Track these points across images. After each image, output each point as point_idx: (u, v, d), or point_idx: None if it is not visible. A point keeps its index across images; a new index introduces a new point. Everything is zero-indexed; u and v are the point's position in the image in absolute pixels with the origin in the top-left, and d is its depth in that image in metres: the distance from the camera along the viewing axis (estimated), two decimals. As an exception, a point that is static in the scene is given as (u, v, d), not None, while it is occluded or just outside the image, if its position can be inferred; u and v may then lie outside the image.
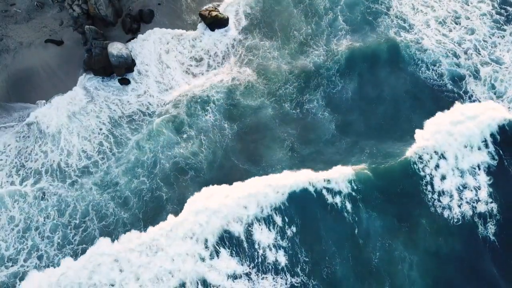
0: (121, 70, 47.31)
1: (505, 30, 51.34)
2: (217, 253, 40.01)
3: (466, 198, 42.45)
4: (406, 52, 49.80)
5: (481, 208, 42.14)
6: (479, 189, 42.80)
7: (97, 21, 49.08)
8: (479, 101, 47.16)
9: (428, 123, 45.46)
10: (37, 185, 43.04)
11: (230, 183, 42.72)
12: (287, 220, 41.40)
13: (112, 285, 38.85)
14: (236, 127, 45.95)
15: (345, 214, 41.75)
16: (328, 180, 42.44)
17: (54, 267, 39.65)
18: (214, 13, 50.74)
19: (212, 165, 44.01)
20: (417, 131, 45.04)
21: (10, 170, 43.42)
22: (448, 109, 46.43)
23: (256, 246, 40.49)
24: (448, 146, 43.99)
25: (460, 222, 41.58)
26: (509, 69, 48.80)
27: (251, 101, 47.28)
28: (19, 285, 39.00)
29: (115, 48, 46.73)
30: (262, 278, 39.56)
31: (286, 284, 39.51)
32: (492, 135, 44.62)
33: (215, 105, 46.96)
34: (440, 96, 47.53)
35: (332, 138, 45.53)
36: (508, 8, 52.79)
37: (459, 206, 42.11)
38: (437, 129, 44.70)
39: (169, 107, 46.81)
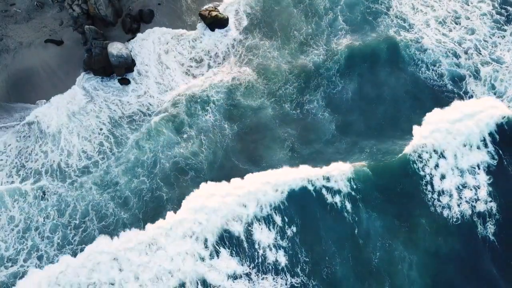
0: (121, 70, 47.29)
1: (505, 30, 51.32)
2: (217, 253, 40.02)
3: (465, 198, 42.47)
4: (406, 52, 49.80)
5: (481, 207, 42.18)
6: (479, 188, 42.82)
7: (97, 21, 49.05)
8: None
9: (427, 120, 45.48)
10: (37, 184, 43.00)
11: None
12: (287, 220, 41.42)
13: (112, 284, 38.83)
14: (236, 127, 45.95)
15: (345, 214, 41.77)
16: (328, 179, 42.47)
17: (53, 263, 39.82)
18: (214, 13, 50.74)
19: (212, 166, 44.02)
20: (415, 127, 45.07)
21: (10, 170, 43.41)
22: (448, 106, 46.56)
23: (256, 246, 40.51)
24: (447, 144, 44.02)
25: (459, 222, 41.61)
26: (510, 68, 48.79)
27: (251, 101, 47.28)
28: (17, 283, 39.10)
29: (115, 48, 46.71)
30: (262, 279, 39.57)
31: (286, 284, 39.53)
32: (491, 134, 44.68)
33: (215, 105, 46.96)
34: (440, 96, 47.54)
35: (332, 138, 45.56)
36: (509, 8, 52.76)
37: (459, 206, 42.14)
38: (436, 127, 44.72)
39: (169, 106, 46.80)
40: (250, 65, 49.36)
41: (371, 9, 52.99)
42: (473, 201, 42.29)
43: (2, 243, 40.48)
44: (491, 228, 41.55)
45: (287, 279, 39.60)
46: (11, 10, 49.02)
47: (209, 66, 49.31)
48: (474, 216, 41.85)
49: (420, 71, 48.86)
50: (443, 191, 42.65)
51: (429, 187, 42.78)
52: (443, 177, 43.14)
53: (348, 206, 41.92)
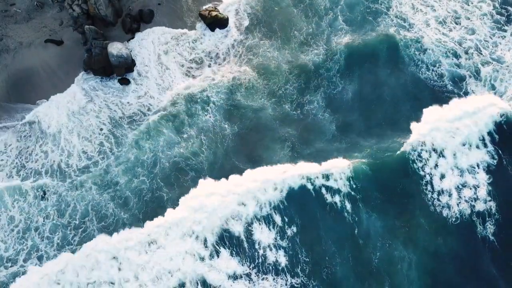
0: (121, 70, 47.26)
1: (506, 31, 51.29)
2: (217, 252, 40.03)
3: (465, 197, 42.49)
4: (406, 52, 49.80)
5: (480, 207, 42.21)
6: (478, 187, 42.85)
7: (97, 21, 49.01)
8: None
9: (426, 118, 45.50)
10: (37, 183, 42.95)
11: (230, 183, 42.90)
12: (286, 220, 41.44)
13: (112, 283, 38.82)
14: (237, 128, 45.93)
15: (345, 213, 41.82)
16: (327, 177, 42.50)
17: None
18: (214, 13, 50.70)
19: (213, 166, 43.98)
20: (414, 125, 45.14)
21: (11, 170, 43.39)
22: (447, 104, 46.62)
23: (257, 246, 40.52)
24: (446, 143, 44.05)
25: (459, 221, 41.65)
26: (510, 68, 48.76)
27: (251, 101, 47.25)
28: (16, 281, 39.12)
29: (115, 48, 46.69)
30: (263, 279, 39.57)
31: (286, 285, 39.53)
32: (490, 133, 44.74)
33: (215, 106, 46.93)
34: (441, 96, 47.46)
35: (333, 139, 45.54)
36: (509, 8, 52.72)
37: (458, 205, 42.16)
38: (435, 126, 44.75)
39: (168, 105, 46.74)
40: (250, 65, 49.34)
41: (371, 9, 52.97)
42: (472, 201, 42.33)
43: (1, 244, 40.47)
44: (490, 227, 41.59)
45: (287, 279, 39.61)
46: (11, 10, 48.98)
47: (209, 66, 49.29)
48: (473, 215, 41.88)
49: (420, 72, 48.84)
50: (442, 191, 42.69)
51: (429, 187, 42.84)
52: (442, 176, 43.18)
53: (348, 205, 41.97)
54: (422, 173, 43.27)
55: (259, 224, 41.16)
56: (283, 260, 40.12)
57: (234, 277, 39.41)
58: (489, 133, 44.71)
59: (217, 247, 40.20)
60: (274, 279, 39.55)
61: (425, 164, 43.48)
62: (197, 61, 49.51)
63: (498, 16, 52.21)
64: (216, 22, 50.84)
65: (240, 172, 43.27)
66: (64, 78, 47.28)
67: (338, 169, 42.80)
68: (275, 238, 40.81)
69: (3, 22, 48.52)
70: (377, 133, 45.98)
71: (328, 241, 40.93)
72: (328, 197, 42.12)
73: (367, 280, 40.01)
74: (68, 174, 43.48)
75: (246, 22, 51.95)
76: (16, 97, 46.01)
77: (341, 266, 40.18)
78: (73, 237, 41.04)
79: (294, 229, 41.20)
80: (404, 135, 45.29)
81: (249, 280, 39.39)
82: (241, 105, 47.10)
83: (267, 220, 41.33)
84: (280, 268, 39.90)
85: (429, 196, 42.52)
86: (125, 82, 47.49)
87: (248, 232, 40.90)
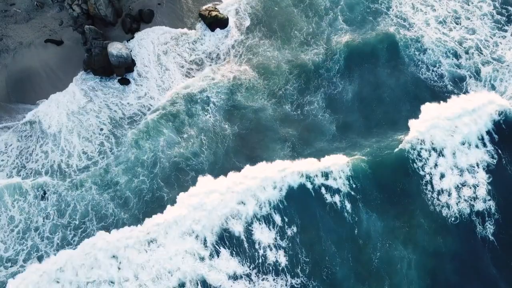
0: (121, 70, 47.25)
1: (506, 31, 51.30)
2: (217, 252, 40.01)
3: (464, 196, 42.50)
4: (406, 52, 49.86)
5: (480, 206, 42.26)
6: (478, 186, 42.87)
7: (97, 21, 49.00)
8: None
9: (425, 117, 45.58)
10: (37, 181, 42.84)
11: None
12: (286, 220, 41.45)
13: (112, 282, 38.79)
14: (237, 128, 45.91)
15: (345, 213, 41.84)
16: (326, 176, 42.50)
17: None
18: (214, 13, 50.70)
19: (213, 166, 43.92)
20: (413, 124, 45.23)
21: (11, 171, 43.33)
22: (446, 102, 46.71)
23: (257, 246, 40.51)
24: (446, 142, 44.08)
25: (458, 221, 41.70)
26: (510, 67, 48.76)
27: (251, 102, 47.23)
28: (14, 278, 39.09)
29: (115, 48, 46.66)
30: (263, 279, 39.54)
31: (286, 285, 39.50)
32: (489, 132, 44.81)
33: (215, 106, 46.91)
34: (441, 96, 47.49)
35: (333, 139, 45.53)
36: (509, 8, 52.72)
37: (458, 204, 42.19)
38: (433, 123, 44.79)
39: (167, 104, 46.68)
40: (251, 65, 49.33)
41: (371, 8, 53.04)
42: (472, 200, 42.35)
43: (1, 244, 40.40)
44: (490, 227, 41.69)
45: (287, 280, 39.59)
46: (11, 10, 48.94)
47: (209, 66, 49.23)
48: (473, 215, 41.96)
49: (420, 72, 48.91)
50: (442, 190, 42.73)
51: (428, 186, 42.91)
52: (442, 176, 43.19)
53: (348, 205, 42.03)
54: (422, 172, 43.34)
55: (259, 224, 41.17)
56: (283, 260, 40.11)
57: (234, 277, 39.38)
58: (488, 132, 44.84)
59: (217, 247, 40.18)
60: (274, 279, 39.55)
61: (425, 164, 43.54)
62: (197, 63, 49.46)
63: (499, 16, 52.23)
64: (216, 22, 50.84)
65: (240, 170, 43.31)
66: (64, 78, 47.26)
67: (337, 166, 42.84)
68: (275, 238, 40.80)
69: (3, 22, 48.48)
70: (377, 133, 46.03)
71: (328, 241, 40.93)
72: (328, 197, 42.16)
73: (367, 280, 39.97)
74: (68, 174, 43.44)
75: (246, 22, 51.96)
76: (16, 97, 45.98)
77: (341, 266, 40.17)
78: (73, 237, 40.97)
79: (294, 229, 41.20)
80: (403, 133, 45.30)
81: (249, 281, 39.36)
82: (241, 105, 47.08)
83: (267, 220, 41.33)
84: (280, 268, 39.88)
85: (429, 195, 42.57)
86: (125, 82, 47.46)
87: (248, 232, 40.89)
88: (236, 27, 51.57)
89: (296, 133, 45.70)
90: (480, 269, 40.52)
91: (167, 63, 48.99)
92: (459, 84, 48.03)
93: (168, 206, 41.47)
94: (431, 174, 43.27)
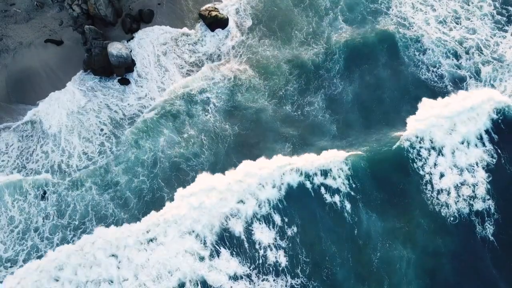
0: (121, 70, 47.22)
1: (506, 31, 51.27)
2: (218, 253, 39.99)
3: (463, 195, 42.50)
4: (406, 53, 49.85)
5: (479, 205, 42.34)
6: (477, 185, 42.87)
7: (97, 21, 48.97)
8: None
9: (424, 115, 45.55)
10: (37, 179, 42.86)
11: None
12: (286, 220, 41.48)
13: (111, 282, 38.77)
14: (237, 128, 45.88)
15: (344, 213, 41.87)
16: (325, 174, 42.45)
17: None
18: (214, 13, 50.65)
19: (214, 166, 43.91)
20: (413, 121, 45.23)
21: (11, 171, 43.23)
22: (446, 102, 46.58)
23: (257, 246, 40.53)
24: (445, 141, 44.11)
25: (457, 221, 41.76)
26: (510, 66, 48.75)
27: (252, 102, 47.21)
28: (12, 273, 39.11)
29: (115, 48, 46.63)
30: (263, 280, 39.52)
31: (286, 286, 39.47)
32: (487, 131, 44.83)
33: (215, 106, 46.88)
34: (441, 96, 47.47)
35: (333, 139, 45.48)
36: (509, 8, 52.69)
37: (457, 204, 42.23)
38: (433, 122, 44.79)
39: (167, 105, 46.64)
40: (251, 65, 49.30)
41: (371, 8, 53.00)
42: (471, 199, 42.37)
43: (1, 245, 40.35)
44: (489, 226, 41.79)
45: (287, 280, 39.59)
46: (11, 10, 48.92)
47: (209, 66, 49.17)
48: (472, 214, 42.07)
49: (420, 72, 48.87)
50: (442, 190, 42.75)
51: (428, 186, 42.91)
52: (442, 175, 43.25)
53: (347, 205, 42.09)
54: (421, 172, 43.39)
55: (259, 223, 41.17)
56: (283, 261, 40.10)
57: (235, 277, 39.37)
58: (487, 131, 44.92)
59: (217, 247, 40.18)
60: (274, 280, 39.55)
61: (424, 164, 43.57)
62: (197, 64, 49.38)
63: (499, 17, 52.20)
64: (216, 22, 50.79)
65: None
66: (64, 78, 47.25)
67: (337, 163, 42.83)
68: (275, 238, 40.80)
69: (3, 22, 48.45)
70: (377, 132, 45.99)
71: (327, 241, 40.94)
72: (328, 197, 42.18)
73: (366, 280, 39.99)
74: (68, 173, 43.39)
75: (246, 22, 51.91)
76: (16, 97, 45.95)
77: (341, 267, 40.20)
78: (72, 237, 40.94)
79: (294, 229, 41.22)
80: (402, 132, 45.34)
81: (249, 281, 39.36)
82: (242, 105, 47.06)
83: (267, 220, 41.33)
84: (280, 269, 39.88)
85: (428, 195, 42.63)
86: (125, 82, 47.42)
87: (248, 232, 40.91)
88: (236, 27, 51.52)
89: (296, 133, 45.68)
90: (479, 268, 40.58)
91: (166, 64, 48.95)
92: (459, 85, 48.03)
93: (167, 204, 41.48)
94: (430, 173, 43.31)
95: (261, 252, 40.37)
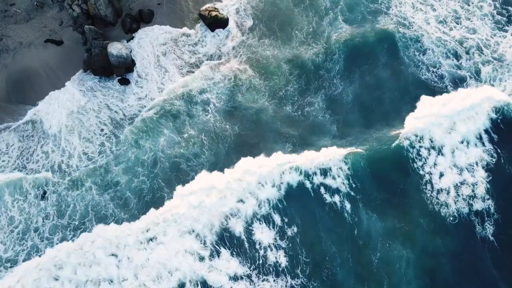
0: (121, 70, 47.22)
1: (506, 31, 51.28)
2: (218, 253, 39.99)
3: (463, 195, 42.51)
4: (406, 53, 49.87)
5: (479, 205, 42.33)
6: (476, 185, 42.87)
7: (97, 21, 48.97)
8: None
9: (424, 113, 45.53)
10: (37, 178, 42.84)
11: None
12: (286, 220, 41.47)
13: (111, 281, 38.77)
14: (238, 129, 45.87)
15: (344, 213, 41.87)
16: (325, 173, 42.42)
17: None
18: (214, 13, 50.64)
19: (214, 167, 43.87)
20: (412, 120, 45.20)
21: (12, 171, 43.19)
22: (445, 100, 46.56)
23: (257, 246, 40.52)
24: (444, 140, 44.10)
25: (457, 220, 41.78)
26: (510, 66, 48.78)
27: (252, 102, 47.20)
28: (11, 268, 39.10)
29: (115, 48, 46.63)
30: (263, 280, 39.52)
31: (286, 286, 39.46)
32: (486, 130, 44.83)
33: (215, 107, 46.88)
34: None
35: (334, 139, 45.48)
36: (510, 8, 52.69)
37: (457, 203, 42.23)
38: (432, 121, 44.77)
39: (167, 105, 46.64)
40: (251, 65, 49.30)
41: (371, 8, 53.02)
42: (471, 199, 42.41)
43: (1, 245, 40.35)
44: (489, 226, 41.79)
45: (287, 281, 39.57)
46: (11, 10, 48.92)
47: (209, 66, 49.16)
48: (472, 214, 42.07)
49: (421, 73, 48.89)
50: (441, 189, 42.75)
51: (428, 186, 42.92)
52: (441, 175, 43.25)
53: (346, 204, 42.09)
54: (421, 172, 43.37)
55: (260, 223, 41.17)
56: (283, 261, 40.10)
57: (235, 278, 39.35)
58: (487, 130, 44.93)
59: (217, 247, 40.17)
60: (274, 280, 39.54)
61: (424, 163, 43.55)
62: (198, 65, 49.37)
63: (499, 17, 52.20)
64: (216, 22, 50.79)
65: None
66: (64, 78, 47.28)
67: (336, 161, 42.78)
68: (275, 238, 40.80)
69: (3, 22, 48.45)
70: (377, 132, 46.03)
71: (327, 241, 40.94)
72: (327, 197, 42.16)
73: (366, 280, 40.01)
74: (68, 173, 43.37)
75: (246, 22, 51.91)
76: (16, 97, 45.96)
77: (341, 267, 40.21)
78: (72, 237, 40.91)
79: (294, 229, 41.22)
80: (402, 130, 45.43)
81: (250, 282, 39.35)
82: (242, 106, 47.06)
83: (267, 220, 41.34)
84: (280, 269, 39.88)
85: (428, 194, 42.63)
86: (125, 82, 47.43)
87: (248, 232, 40.91)
88: (236, 27, 51.52)
89: (296, 134, 45.68)
90: (478, 268, 40.59)
91: (166, 65, 48.94)
92: (459, 85, 48.03)
93: (167, 202, 41.52)
94: (430, 173, 43.32)
95: (261, 252, 40.38)
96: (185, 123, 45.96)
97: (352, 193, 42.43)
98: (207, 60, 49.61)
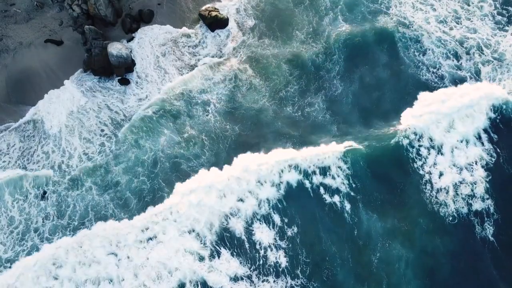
0: (121, 70, 47.21)
1: (507, 31, 51.29)
2: (218, 253, 40.00)
3: (462, 194, 42.58)
4: (406, 53, 49.90)
5: (478, 205, 42.43)
6: (476, 184, 42.93)
7: (97, 21, 48.95)
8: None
9: (423, 112, 45.63)
10: (37, 177, 42.85)
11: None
12: (286, 220, 41.48)
13: (111, 280, 38.77)
14: (238, 129, 45.88)
15: (344, 213, 41.91)
16: (324, 172, 42.47)
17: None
18: (214, 13, 50.63)
19: (215, 167, 43.75)
20: (411, 119, 45.28)
21: (12, 171, 43.29)
22: (445, 100, 46.60)
23: (257, 247, 40.53)
24: (443, 138, 44.13)
25: (457, 220, 41.89)
26: (509, 66, 48.82)
27: (252, 103, 47.20)
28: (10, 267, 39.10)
29: (115, 48, 46.63)
30: (263, 281, 39.53)
31: (286, 286, 39.48)
32: (485, 130, 44.95)
33: (215, 107, 46.88)
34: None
35: (334, 139, 45.45)
36: (510, 8, 52.71)
37: (456, 203, 42.29)
38: (431, 118, 44.83)
39: (167, 105, 46.63)
40: (251, 65, 49.30)
41: (371, 8, 53.05)
42: (470, 198, 42.49)
43: (1, 246, 40.33)
44: (488, 226, 41.92)
45: (287, 281, 39.59)
46: (11, 10, 48.88)
47: (209, 65, 49.15)
48: (471, 214, 42.17)
49: (421, 73, 48.91)
50: (441, 189, 42.82)
51: (427, 185, 42.98)
52: (441, 174, 43.33)
53: (346, 204, 42.15)
54: (421, 172, 43.43)
55: (260, 223, 41.19)
56: (283, 261, 40.13)
57: (235, 278, 39.36)
58: (485, 130, 45.06)
59: (217, 247, 40.19)
60: (274, 280, 39.55)
61: (424, 163, 43.57)
62: (196, 60, 49.38)
63: (499, 17, 52.22)
64: (216, 22, 50.77)
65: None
66: (64, 78, 47.26)
67: (334, 158, 42.88)
68: (275, 238, 40.83)
69: (3, 22, 48.42)
70: (377, 132, 46.01)
71: (327, 241, 40.97)
72: (327, 197, 42.19)
73: (366, 280, 40.05)
74: (68, 173, 43.36)
75: (246, 22, 51.90)
76: (16, 98, 45.95)
77: (341, 267, 40.26)
78: (72, 237, 40.90)
79: (294, 229, 41.25)
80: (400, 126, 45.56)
81: (250, 282, 39.36)
82: (242, 106, 47.06)
83: (267, 220, 41.37)
84: (280, 269, 39.91)
85: (427, 194, 42.69)
86: (125, 82, 47.42)
87: (248, 232, 40.93)
88: (236, 27, 51.51)
89: (297, 134, 45.67)
90: (478, 268, 40.66)
91: (166, 65, 48.90)
92: (459, 85, 48.00)
93: (166, 200, 41.54)
94: (430, 172, 43.37)
95: (262, 252, 40.40)
96: (185, 123, 45.97)
97: (352, 193, 42.49)
98: (204, 55, 49.50)
